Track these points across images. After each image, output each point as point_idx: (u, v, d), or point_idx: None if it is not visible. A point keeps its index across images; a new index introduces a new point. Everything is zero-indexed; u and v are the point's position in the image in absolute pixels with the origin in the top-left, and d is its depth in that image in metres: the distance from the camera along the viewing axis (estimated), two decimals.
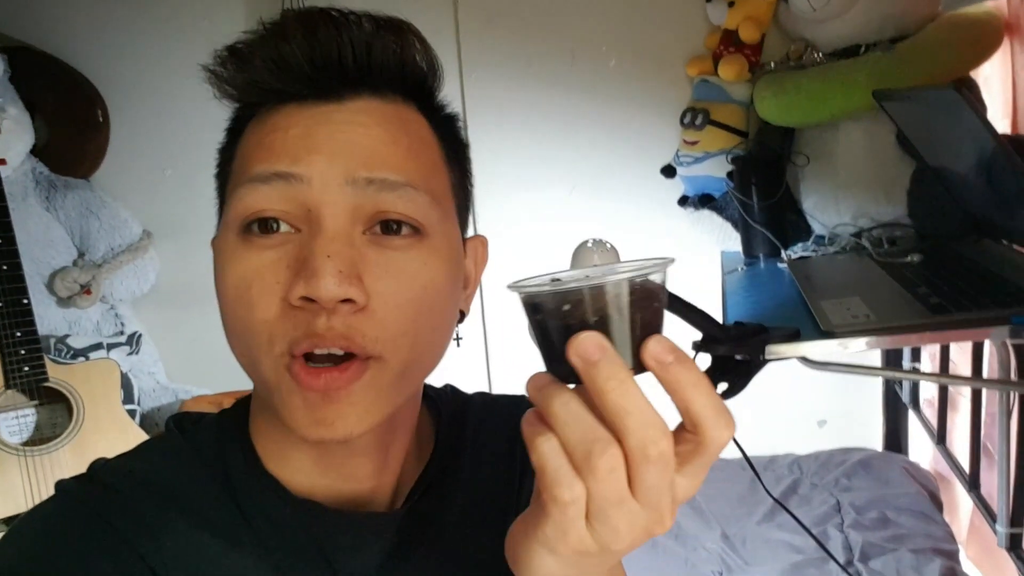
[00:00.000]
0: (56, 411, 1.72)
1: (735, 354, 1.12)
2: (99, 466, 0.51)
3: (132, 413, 1.87)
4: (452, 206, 0.52)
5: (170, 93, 2.00)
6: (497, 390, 2.03)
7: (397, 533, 0.54)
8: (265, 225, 0.46)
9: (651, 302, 0.36)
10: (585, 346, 0.35)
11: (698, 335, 1.11)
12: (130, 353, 2.07)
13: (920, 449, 1.83)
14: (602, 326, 0.36)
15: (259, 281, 0.45)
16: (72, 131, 2.01)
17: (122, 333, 2.08)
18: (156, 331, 2.17)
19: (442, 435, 0.61)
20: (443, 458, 0.60)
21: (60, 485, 0.50)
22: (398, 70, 0.49)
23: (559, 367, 0.37)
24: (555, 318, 0.36)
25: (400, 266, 0.46)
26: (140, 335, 2.11)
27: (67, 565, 0.45)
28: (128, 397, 1.92)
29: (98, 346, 1.99)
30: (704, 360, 1.09)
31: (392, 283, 0.45)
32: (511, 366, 2.06)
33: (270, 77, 0.47)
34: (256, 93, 0.48)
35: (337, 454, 0.51)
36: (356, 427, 0.45)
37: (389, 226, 0.46)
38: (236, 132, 0.51)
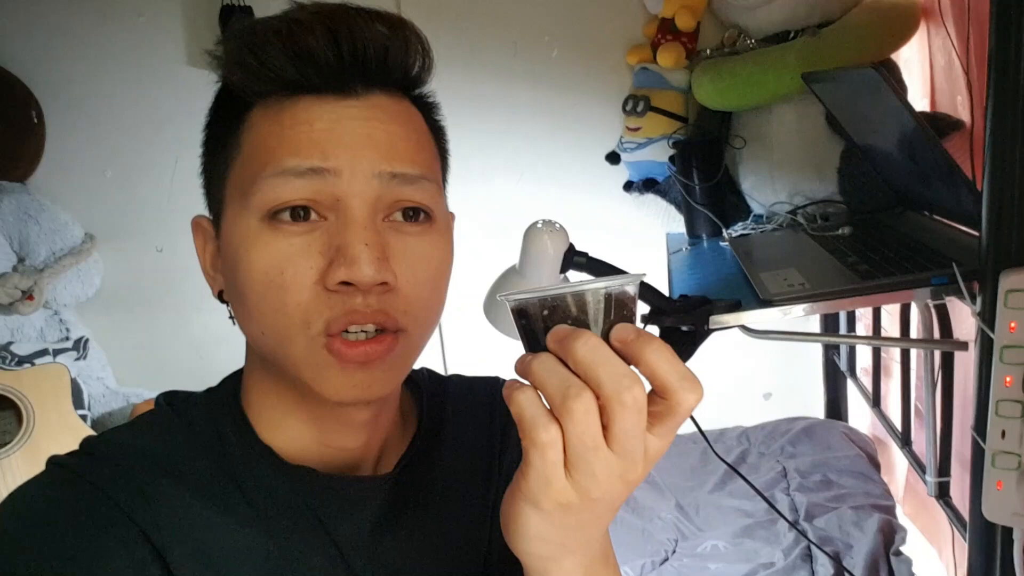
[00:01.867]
0: (4, 418, 1.69)
1: (681, 324, 1.18)
2: (91, 440, 0.53)
3: (83, 418, 1.84)
4: (444, 189, 0.58)
5: (106, 93, 1.96)
6: (453, 365, 2.05)
7: (387, 499, 0.57)
8: (294, 213, 0.48)
9: (622, 310, 0.41)
10: (559, 330, 0.39)
11: (647, 309, 1.17)
12: (77, 358, 2.02)
13: (859, 415, 1.93)
14: (579, 326, 0.40)
15: (292, 266, 0.48)
16: (6, 134, 1.95)
17: (68, 338, 2.03)
18: (103, 335, 2.13)
19: (425, 411, 0.64)
20: (427, 432, 0.63)
21: (51, 460, 0.51)
22: (406, 69, 0.53)
23: None
24: (538, 321, 0.41)
25: (417, 250, 0.51)
26: (87, 339, 2.06)
27: (62, 533, 0.46)
28: (78, 402, 1.88)
29: (44, 352, 1.94)
30: (652, 332, 1.14)
31: (412, 265, 0.50)
32: (465, 345, 2.08)
33: (292, 68, 0.48)
34: (272, 83, 0.49)
35: (333, 421, 0.54)
36: (384, 389, 0.51)
37: (406, 213, 0.51)
38: (234, 120, 0.52)
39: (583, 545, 0.43)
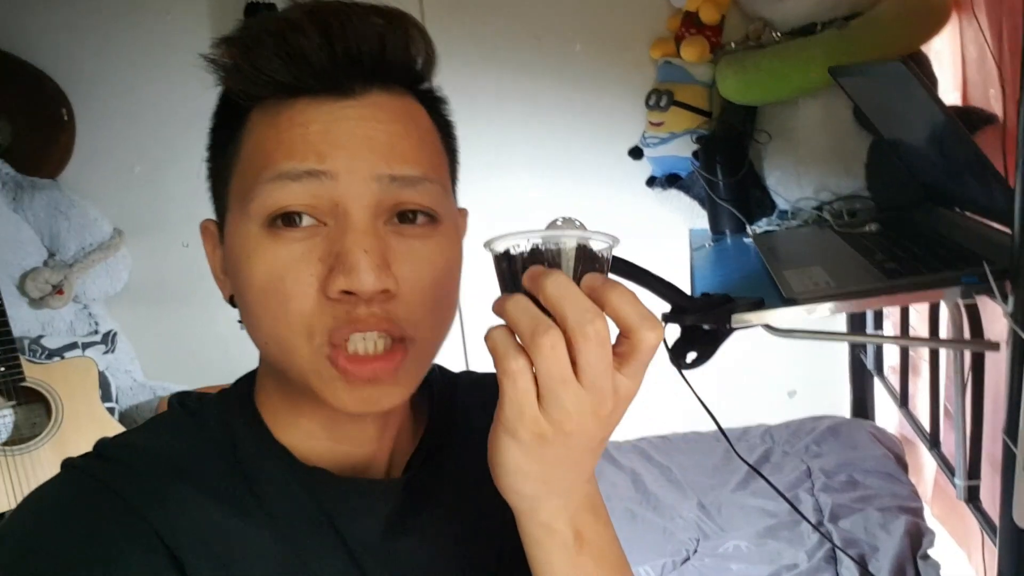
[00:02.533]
0: (34, 411, 1.72)
1: (702, 323, 1.17)
2: (104, 443, 0.52)
3: (111, 411, 1.87)
4: (452, 188, 0.56)
5: (135, 90, 1.99)
6: (474, 363, 2.06)
7: (400, 500, 0.56)
8: (289, 218, 0.47)
9: (593, 263, 0.43)
10: (533, 270, 0.41)
11: (668, 307, 1.15)
12: (106, 352, 2.06)
13: (886, 414, 1.90)
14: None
15: (292, 274, 0.47)
16: (37, 131, 1.99)
17: (97, 332, 2.07)
18: (131, 329, 2.17)
19: (435, 410, 0.63)
20: (438, 431, 0.62)
21: (66, 462, 0.51)
22: (406, 65, 0.51)
23: None
24: (518, 264, 0.43)
25: (420, 253, 0.49)
26: (115, 333, 2.10)
27: (79, 537, 0.45)
28: (106, 395, 1.92)
29: (73, 346, 1.98)
30: (674, 331, 1.13)
31: (416, 270, 0.49)
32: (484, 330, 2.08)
33: (285, 71, 0.47)
34: (267, 86, 0.48)
35: (344, 425, 0.54)
36: (394, 403, 0.50)
37: (406, 215, 0.49)
38: (234, 123, 0.51)
39: (566, 488, 0.45)
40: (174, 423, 0.55)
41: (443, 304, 0.52)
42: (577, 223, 1.17)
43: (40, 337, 1.93)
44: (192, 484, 0.50)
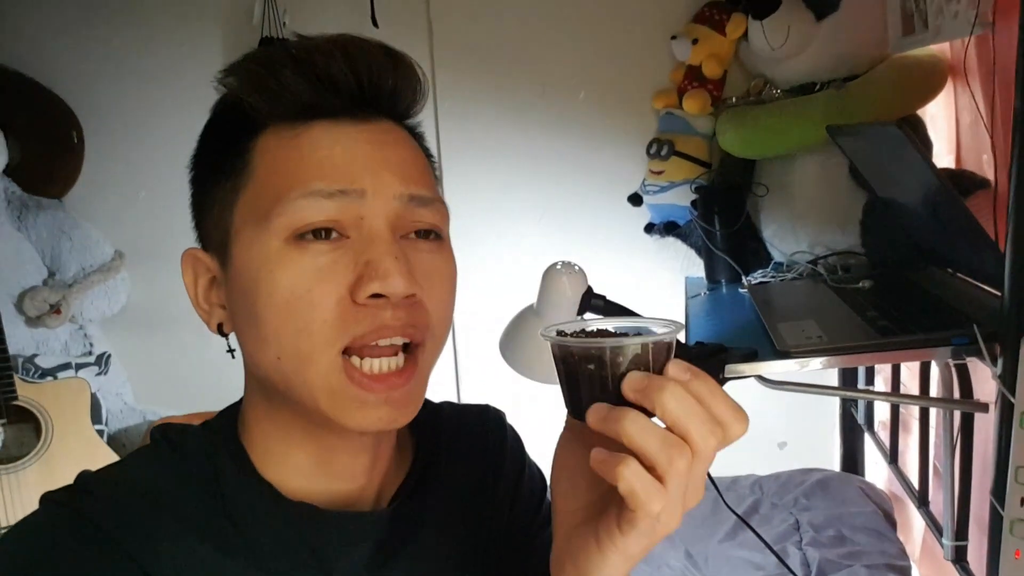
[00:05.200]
0: (24, 430, 1.71)
1: None
2: (86, 477, 0.52)
3: (100, 433, 1.86)
4: None
5: (145, 117, 2.03)
6: (465, 379, 2.04)
7: (385, 533, 0.56)
8: (318, 232, 0.50)
9: (666, 355, 0.44)
10: (634, 379, 0.42)
11: None
12: (98, 373, 2.06)
13: (876, 470, 1.90)
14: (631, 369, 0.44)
15: (320, 283, 0.49)
16: (46, 151, 2.01)
17: (91, 353, 2.07)
18: (125, 352, 2.16)
19: (421, 441, 0.64)
20: (424, 463, 0.63)
21: (46, 497, 0.50)
22: (410, 99, 0.55)
23: (583, 406, 0.44)
24: (607, 370, 0.43)
25: (433, 266, 0.53)
26: (109, 355, 2.10)
27: (62, 571, 0.45)
28: (96, 417, 1.91)
29: (66, 366, 1.98)
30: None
31: (431, 280, 0.52)
32: (480, 380, 2.09)
33: (310, 92, 0.50)
34: (289, 105, 0.51)
35: (340, 452, 0.55)
36: (408, 419, 0.52)
37: (419, 233, 0.54)
38: (241, 145, 0.52)
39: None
40: (157, 457, 0.54)
41: (450, 314, 0.55)
42: (576, 268, 1.18)
43: (34, 356, 1.93)
44: (176, 519, 0.50)
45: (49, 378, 1.89)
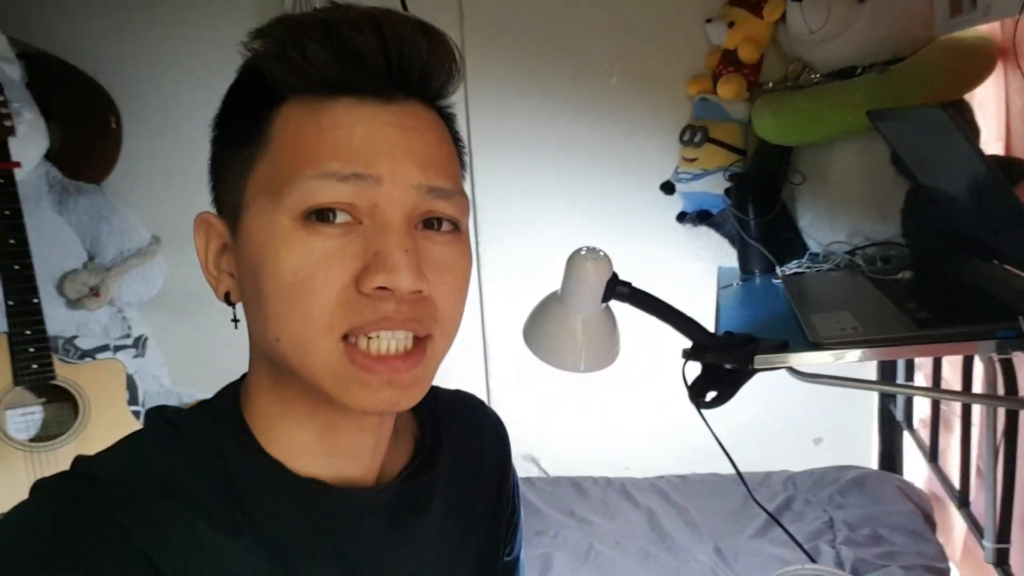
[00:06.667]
0: (62, 409, 1.75)
1: (724, 363, 1.15)
2: (83, 460, 0.50)
3: (136, 415, 1.90)
4: None
5: (182, 103, 2.05)
6: (496, 391, 2.03)
7: (394, 507, 0.56)
8: (324, 214, 0.47)
9: None
10: None
11: (689, 344, 1.13)
12: (136, 356, 2.10)
13: (915, 469, 1.84)
14: None
15: (325, 268, 0.47)
16: (85, 137, 2.05)
17: (128, 336, 2.12)
18: (161, 335, 2.21)
19: (424, 421, 0.64)
20: (430, 442, 0.63)
21: (39, 484, 0.48)
22: (443, 80, 0.52)
23: None
24: None
25: (447, 260, 0.51)
26: (146, 338, 2.14)
27: (62, 559, 0.43)
28: (132, 399, 1.95)
29: (105, 348, 2.02)
30: (694, 368, 1.11)
31: (443, 275, 0.51)
32: (509, 369, 2.09)
33: (335, 66, 0.47)
34: (312, 79, 0.48)
35: (344, 431, 0.54)
36: (412, 402, 0.51)
37: (431, 222, 0.51)
38: (261, 113, 0.50)
39: None
40: (156, 438, 0.53)
41: (461, 308, 0.53)
42: (601, 254, 1.15)
43: (74, 337, 1.98)
44: (180, 502, 0.48)
45: (88, 359, 1.93)
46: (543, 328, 1.06)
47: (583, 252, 1.06)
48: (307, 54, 0.47)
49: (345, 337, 0.48)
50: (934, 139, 1.20)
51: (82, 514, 0.46)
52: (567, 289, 1.06)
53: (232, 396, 0.56)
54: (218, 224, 0.54)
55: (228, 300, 0.54)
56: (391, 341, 0.49)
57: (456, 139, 0.56)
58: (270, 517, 0.51)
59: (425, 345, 0.51)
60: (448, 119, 0.56)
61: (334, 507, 0.53)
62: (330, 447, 0.54)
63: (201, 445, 0.52)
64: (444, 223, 0.52)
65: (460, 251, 0.53)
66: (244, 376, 0.57)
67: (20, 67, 1.88)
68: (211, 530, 0.48)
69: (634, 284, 1.00)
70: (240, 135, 0.51)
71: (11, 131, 1.69)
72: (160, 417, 0.54)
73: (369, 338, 0.48)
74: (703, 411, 1.08)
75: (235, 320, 0.55)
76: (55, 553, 0.43)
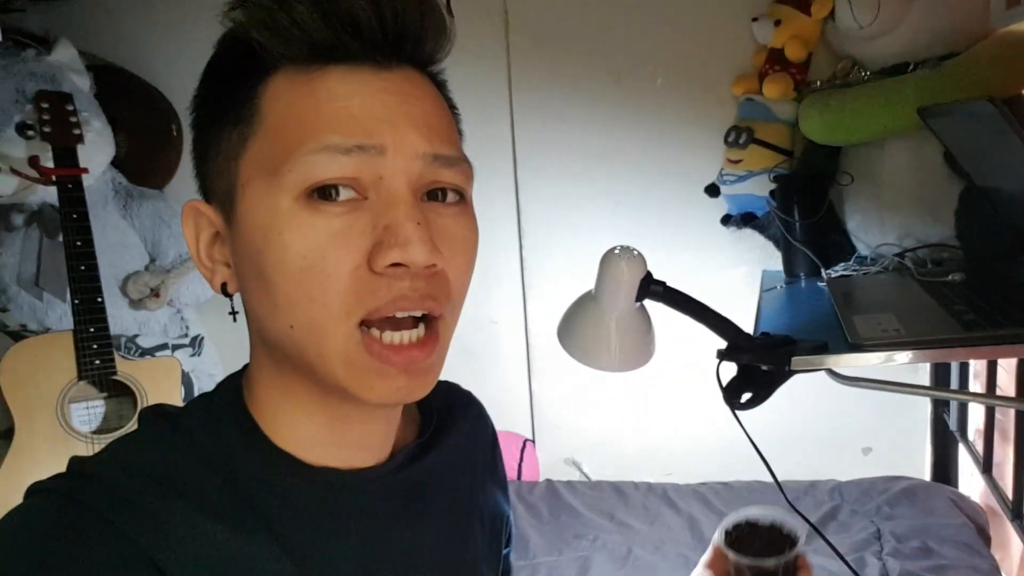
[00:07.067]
0: (123, 403, 1.84)
1: (759, 363, 1.13)
2: (80, 460, 0.47)
3: None
4: None
5: None
6: (538, 397, 2.02)
7: (405, 491, 0.56)
8: (326, 192, 0.45)
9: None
10: None
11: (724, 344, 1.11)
12: (192, 355, 2.18)
13: (970, 481, 1.76)
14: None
15: (335, 249, 0.44)
16: (149, 144, 2.15)
17: (186, 335, 2.20)
18: (217, 335, 2.28)
19: (426, 406, 0.64)
20: (436, 425, 0.62)
21: (35, 487, 0.45)
22: (436, 44, 0.50)
23: None
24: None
25: (454, 231, 0.49)
26: (203, 338, 2.22)
27: (62, 565, 0.41)
28: (189, 395, 2.03)
29: (164, 346, 2.11)
30: (730, 369, 1.09)
31: (454, 247, 0.48)
32: (551, 375, 2.09)
33: (327, 31, 0.44)
34: (302, 46, 0.45)
35: (355, 422, 0.52)
36: (427, 391, 0.49)
37: (435, 193, 0.49)
38: (249, 90, 0.47)
39: None
40: (157, 436, 0.50)
41: (468, 284, 0.51)
42: (635, 253, 1.15)
43: (136, 336, 2.07)
44: (186, 502, 0.46)
45: (148, 357, 2.02)
46: (577, 327, 1.06)
47: (616, 251, 1.06)
48: (296, 19, 0.44)
49: (362, 325, 0.46)
50: (986, 134, 1.16)
51: (80, 516, 0.43)
52: (601, 288, 1.05)
53: (234, 389, 0.54)
54: (208, 211, 0.51)
55: (224, 291, 0.52)
56: (406, 333, 0.47)
57: (451, 106, 0.54)
58: (282, 510, 0.49)
59: (437, 329, 0.49)
60: (441, 85, 0.53)
61: (350, 495, 0.52)
62: (340, 440, 0.53)
63: (206, 441, 0.50)
64: (449, 193, 0.49)
65: (468, 222, 0.50)
66: (245, 368, 0.55)
67: (89, 78, 1.98)
68: (220, 530, 0.46)
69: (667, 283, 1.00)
70: (227, 114, 0.48)
71: (80, 139, 1.79)
72: (157, 414, 0.52)
73: (382, 332, 0.47)
74: (737, 413, 1.07)
75: (233, 312, 0.53)
76: (53, 557, 0.41)
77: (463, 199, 0.50)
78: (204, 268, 0.52)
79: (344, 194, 0.45)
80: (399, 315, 0.46)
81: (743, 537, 0.73)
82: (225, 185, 0.48)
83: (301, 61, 0.46)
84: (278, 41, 0.45)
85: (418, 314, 0.47)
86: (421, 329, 0.48)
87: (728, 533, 0.73)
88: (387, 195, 0.46)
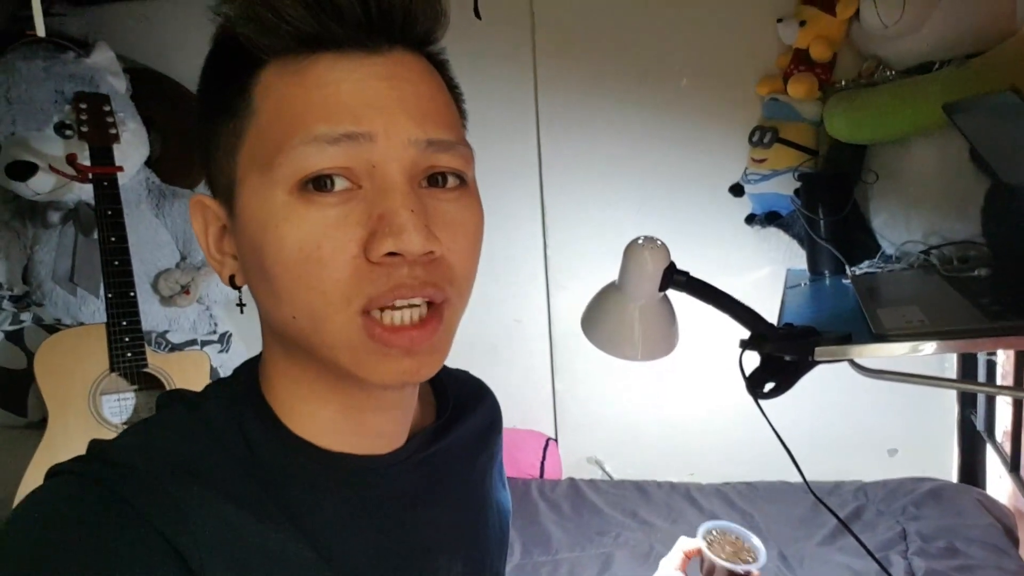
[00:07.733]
0: (153, 396, 1.87)
1: (783, 353, 1.13)
2: (100, 444, 0.47)
3: None
4: None
5: None
6: (561, 396, 2.03)
7: (425, 474, 0.57)
8: (321, 182, 0.44)
9: None
10: None
11: (747, 334, 1.12)
12: (221, 351, 2.22)
13: (999, 483, 1.74)
14: None
15: (330, 239, 0.44)
16: (182, 145, 2.20)
17: (215, 332, 2.24)
18: (244, 332, 2.32)
19: (441, 390, 0.64)
20: (452, 409, 0.62)
21: (55, 469, 0.45)
22: (429, 24, 0.49)
23: None
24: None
25: (454, 216, 0.48)
26: (231, 335, 2.26)
27: (84, 549, 0.41)
28: None
29: (193, 342, 2.15)
30: (753, 359, 1.10)
31: (453, 234, 0.47)
32: (574, 373, 2.10)
33: (311, 21, 0.44)
34: (289, 38, 0.45)
35: (369, 409, 0.52)
36: (433, 371, 0.49)
37: (435, 178, 0.48)
38: (242, 84, 0.47)
39: None
40: (176, 421, 0.50)
41: (474, 267, 0.50)
42: (658, 243, 1.16)
43: (166, 332, 2.12)
44: (205, 487, 0.46)
45: (177, 352, 2.06)
46: (601, 317, 1.08)
47: (640, 241, 1.07)
48: (280, 11, 0.44)
49: (364, 311, 0.46)
50: (1011, 127, 1.16)
51: (100, 498, 0.43)
52: (624, 278, 1.07)
53: (251, 376, 0.54)
54: (214, 205, 0.51)
55: (233, 283, 0.52)
56: (407, 313, 0.46)
57: (452, 87, 0.52)
58: (301, 496, 0.49)
59: (442, 311, 0.48)
60: (440, 66, 0.52)
61: (369, 480, 0.52)
62: (356, 427, 0.53)
63: (225, 428, 0.50)
64: (449, 178, 0.48)
65: (469, 205, 0.49)
66: (260, 355, 0.55)
67: (126, 81, 2.04)
68: (237, 512, 0.46)
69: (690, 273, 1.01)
70: (222, 109, 0.48)
71: (116, 139, 1.84)
72: (176, 400, 0.52)
73: (382, 310, 0.46)
74: (761, 404, 1.07)
75: (241, 304, 0.54)
76: (74, 537, 0.41)
77: (464, 183, 0.50)
78: (214, 261, 0.52)
79: (339, 184, 0.45)
80: (399, 303, 0.46)
81: (714, 543, 0.86)
82: (226, 180, 0.49)
83: (289, 52, 0.46)
84: (263, 34, 0.45)
85: (418, 302, 0.47)
86: (424, 308, 0.47)
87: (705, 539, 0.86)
88: (381, 183, 0.45)
